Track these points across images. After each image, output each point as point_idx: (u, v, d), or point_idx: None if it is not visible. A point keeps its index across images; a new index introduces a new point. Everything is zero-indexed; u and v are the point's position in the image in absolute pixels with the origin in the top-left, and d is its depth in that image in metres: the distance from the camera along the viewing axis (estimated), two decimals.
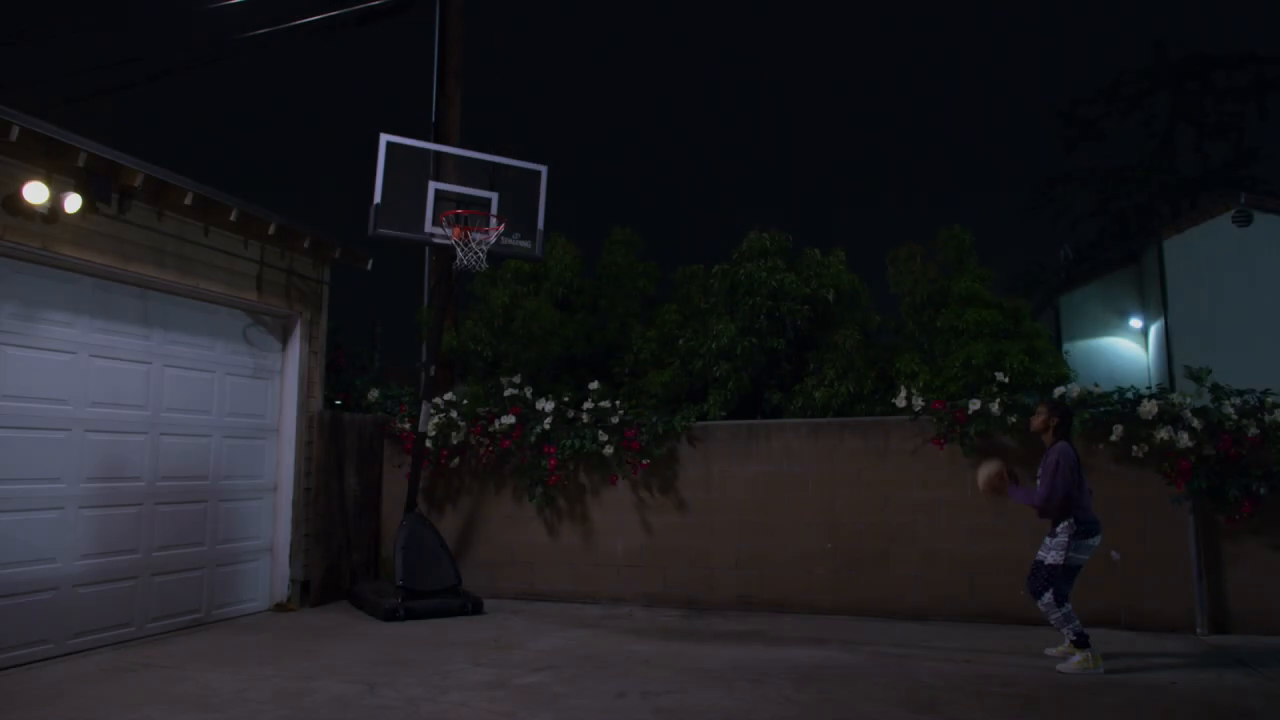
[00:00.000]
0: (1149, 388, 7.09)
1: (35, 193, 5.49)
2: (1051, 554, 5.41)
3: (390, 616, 7.08)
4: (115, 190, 6.07)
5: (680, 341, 8.69)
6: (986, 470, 5.67)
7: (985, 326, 7.74)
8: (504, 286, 9.24)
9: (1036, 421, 5.69)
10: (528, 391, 8.35)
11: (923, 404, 7.28)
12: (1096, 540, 5.41)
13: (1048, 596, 5.36)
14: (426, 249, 9.81)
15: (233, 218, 6.91)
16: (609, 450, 7.93)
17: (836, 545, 7.47)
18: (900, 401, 7.34)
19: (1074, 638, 5.35)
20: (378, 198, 7.26)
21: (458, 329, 9.45)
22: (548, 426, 8.10)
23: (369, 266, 8.47)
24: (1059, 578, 5.38)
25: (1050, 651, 5.68)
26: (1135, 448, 6.71)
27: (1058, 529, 5.42)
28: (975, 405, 7.01)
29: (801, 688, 5.04)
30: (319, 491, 7.92)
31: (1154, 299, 13.20)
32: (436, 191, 7.49)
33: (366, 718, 4.51)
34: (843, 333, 8.31)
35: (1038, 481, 5.55)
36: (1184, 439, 6.55)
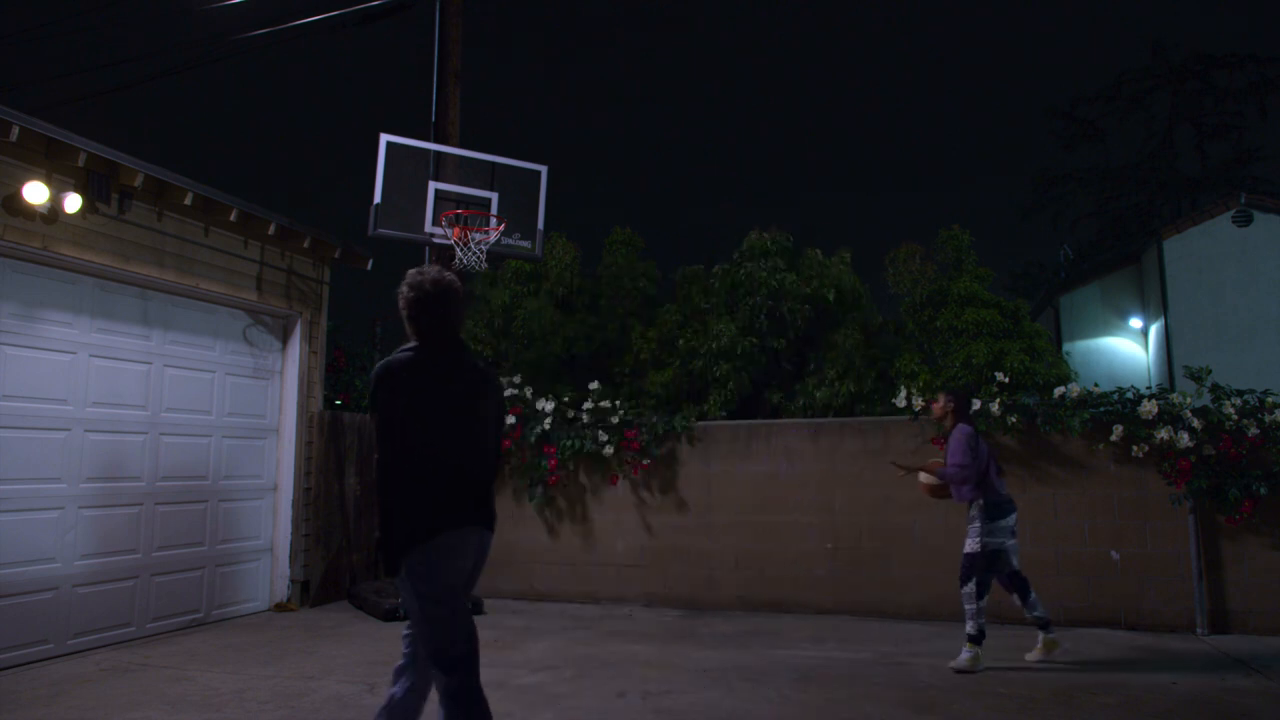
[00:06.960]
0: (1149, 388, 7.09)
1: (35, 193, 5.49)
2: (969, 541, 5.50)
3: (390, 616, 7.08)
4: (115, 190, 6.07)
5: (680, 341, 8.70)
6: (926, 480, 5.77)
7: (985, 326, 7.75)
8: (504, 286, 9.25)
9: (936, 409, 5.90)
10: (528, 391, 8.35)
11: (923, 404, 7.28)
12: (1010, 520, 5.48)
13: (970, 586, 5.43)
14: (426, 249, 9.79)
15: (233, 218, 6.91)
16: (609, 450, 7.93)
17: (836, 545, 7.47)
18: (900, 401, 7.34)
19: (973, 631, 5.39)
20: (378, 197, 7.26)
21: None
22: (548, 426, 8.11)
23: (369, 266, 8.47)
24: (978, 566, 5.44)
25: (1029, 656, 5.62)
26: (1135, 448, 6.71)
27: (971, 512, 5.53)
28: (975, 405, 7.02)
29: (801, 688, 5.04)
30: (319, 491, 7.92)
31: (1154, 299, 13.20)
32: (436, 191, 7.49)
33: (366, 718, 4.50)
34: (843, 333, 8.32)
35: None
36: (1184, 439, 6.55)
